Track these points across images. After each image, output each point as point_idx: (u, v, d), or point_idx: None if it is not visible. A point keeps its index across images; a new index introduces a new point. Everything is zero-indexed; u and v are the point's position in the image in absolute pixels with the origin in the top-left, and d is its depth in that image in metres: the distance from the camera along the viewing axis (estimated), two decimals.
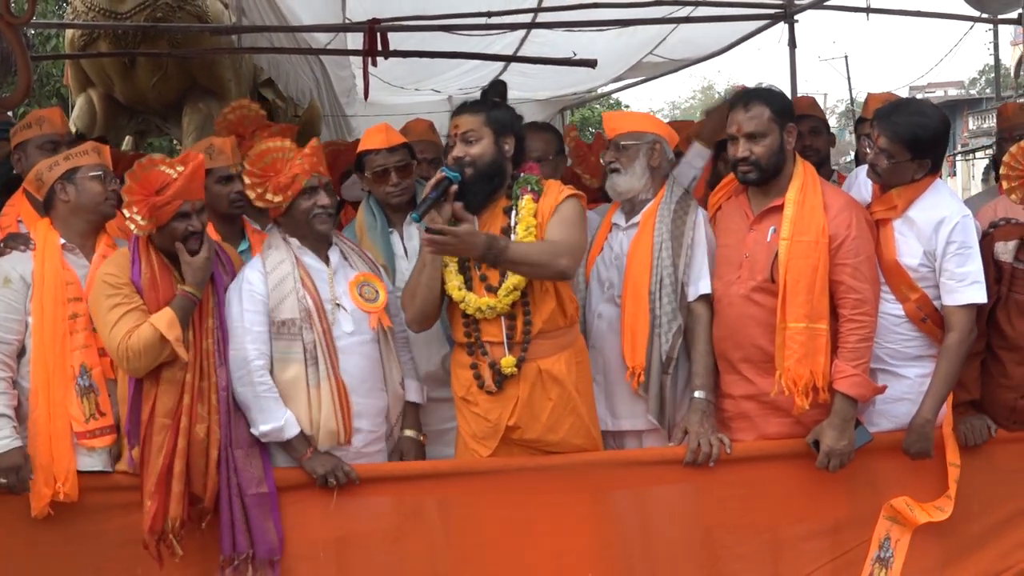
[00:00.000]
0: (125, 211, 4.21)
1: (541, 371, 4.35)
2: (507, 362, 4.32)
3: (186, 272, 4.25)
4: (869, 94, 5.41)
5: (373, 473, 4.41)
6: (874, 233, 4.50)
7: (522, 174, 4.50)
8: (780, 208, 4.45)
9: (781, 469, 4.48)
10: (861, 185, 4.72)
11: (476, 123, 4.36)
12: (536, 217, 4.36)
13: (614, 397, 4.67)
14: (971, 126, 40.34)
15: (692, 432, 4.44)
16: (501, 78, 4.67)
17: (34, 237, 4.46)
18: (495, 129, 4.37)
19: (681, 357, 4.56)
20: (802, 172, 4.51)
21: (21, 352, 4.37)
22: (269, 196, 4.35)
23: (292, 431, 4.29)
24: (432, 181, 4.26)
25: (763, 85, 4.60)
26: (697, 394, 4.51)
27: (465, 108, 4.45)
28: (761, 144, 4.43)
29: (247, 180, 4.40)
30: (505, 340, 4.35)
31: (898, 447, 4.43)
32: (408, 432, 4.59)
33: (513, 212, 4.39)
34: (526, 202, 4.39)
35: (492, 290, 4.33)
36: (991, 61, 11.27)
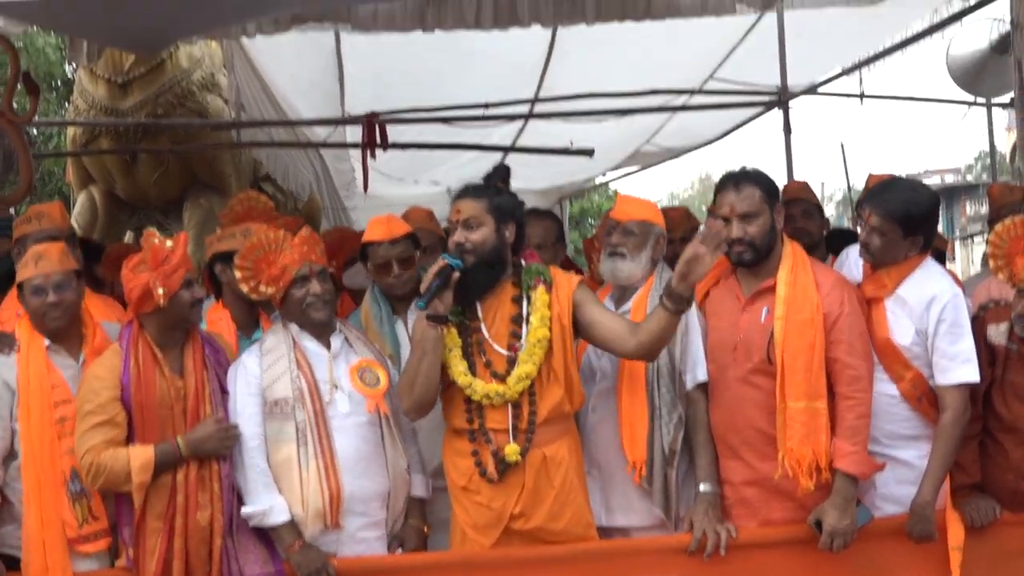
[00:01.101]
0: (156, 284, 4.21)
1: (546, 458, 4.33)
2: (511, 450, 4.27)
3: (197, 430, 4.24)
4: (870, 175, 5.45)
5: (372, 565, 4.37)
6: (866, 311, 4.49)
7: (528, 263, 4.51)
8: (772, 289, 4.45)
9: (785, 555, 4.41)
10: (852, 265, 4.74)
11: (478, 209, 4.34)
12: (551, 309, 4.35)
13: (610, 491, 4.60)
14: (969, 211, 40.57)
15: (697, 523, 4.38)
16: (503, 164, 4.67)
17: (19, 338, 4.45)
18: (497, 216, 4.35)
19: (683, 446, 4.50)
20: (791, 252, 4.52)
21: (13, 456, 4.35)
22: (262, 288, 4.37)
23: (278, 518, 4.25)
24: (434, 268, 4.24)
25: (748, 168, 4.61)
26: (703, 487, 4.46)
27: (467, 193, 4.42)
28: (755, 224, 4.44)
29: (238, 274, 4.41)
30: (511, 427, 4.31)
31: (901, 530, 4.38)
32: (411, 520, 4.54)
33: (524, 302, 4.37)
34: (540, 293, 4.37)
35: (497, 376, 4.30)
36: (987, 147, 11.37)
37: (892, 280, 4.48)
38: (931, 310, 4.39)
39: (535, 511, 4.32)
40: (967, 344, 4.39)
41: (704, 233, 4.08)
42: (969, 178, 49.24)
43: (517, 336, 4.33)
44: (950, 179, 49.13)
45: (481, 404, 4.31)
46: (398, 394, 4.41)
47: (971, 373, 4.37)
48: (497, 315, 4.37)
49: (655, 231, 4.69)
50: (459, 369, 4.33)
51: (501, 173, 4.58)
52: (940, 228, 5.13)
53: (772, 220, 4.50)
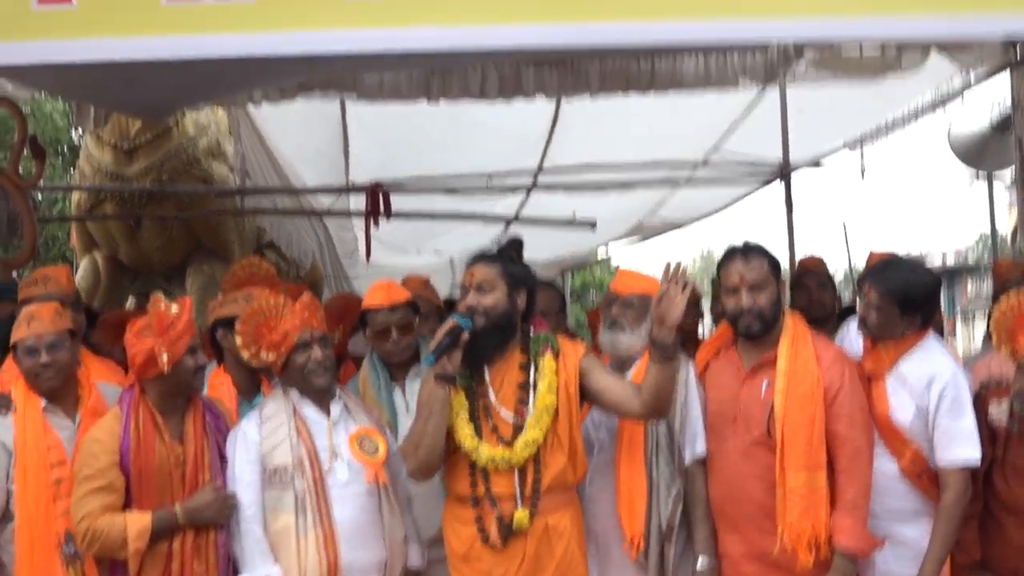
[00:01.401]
0: (160, 351, 4.21)
1: (548, 526, 4.29)
2: (521, 515, 4.23)
3: (195, 498, 4.22)
4: (871, 253, 5.48)
5: None
6: (866, 386, 4.48)
7: (537, 331, 4.50)
8: (772, 362, 4.44)
9: None
10: (852, 338, 4.75)
11: (491, 274, 4.36)
12: (558, 376, 4.34)
13: (607, 565, 4.57)
14: (971, 291, 40.54)
15: None
16: (517, 236, 4.70)
17: (15, 398, 4.43)
18: (509, 282, 4.37)
19: (681, 524, 4.47)
20: (792, 325, 4.53)
21: (9, 518, 4.32)
22: (263, 354, 4.35)
23: None
24: (444, 327, 4.25)
25: (751, 242, 4.64)
26: (701, 561, 4.45)
27: (481, 258, 4.46)
28: (763, 295, 4.45)
29: (239, 340, 4.40)
30: (517, 494, 4.28)
31: None
32: None
33: (532, 368, 4.37)
34: (547, 360, 4.37)
35: (504, 442, 4.28)
36: (988, 229, 11.42)
37: (890, 356, 4.48)
38: (932, 388, 4.38)
39: None
40: (968, 423, 4.37)
41: (666, 274, 4.08)
42: (971, 259, 49.33)
43: (524, 402, 4.32)
44: (952, 260, 49.17)
45: (486, 469, 4.28)
46: (402, 455, 4.39)
47: (972, 453, 4.35)
48: (505, 381, 4.37)
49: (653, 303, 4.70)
50: (465, 432, 4.30)
51: (515, 245, 4.64)
52: (942, 307, 5.13)
53: (778, 292, 4.52)
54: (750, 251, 4.54)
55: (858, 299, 4.76)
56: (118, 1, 3.45)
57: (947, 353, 4.59)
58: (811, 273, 5.95)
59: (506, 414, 4.32)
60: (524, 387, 4.34)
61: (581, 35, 3.65)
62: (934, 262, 40.46)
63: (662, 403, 4.22)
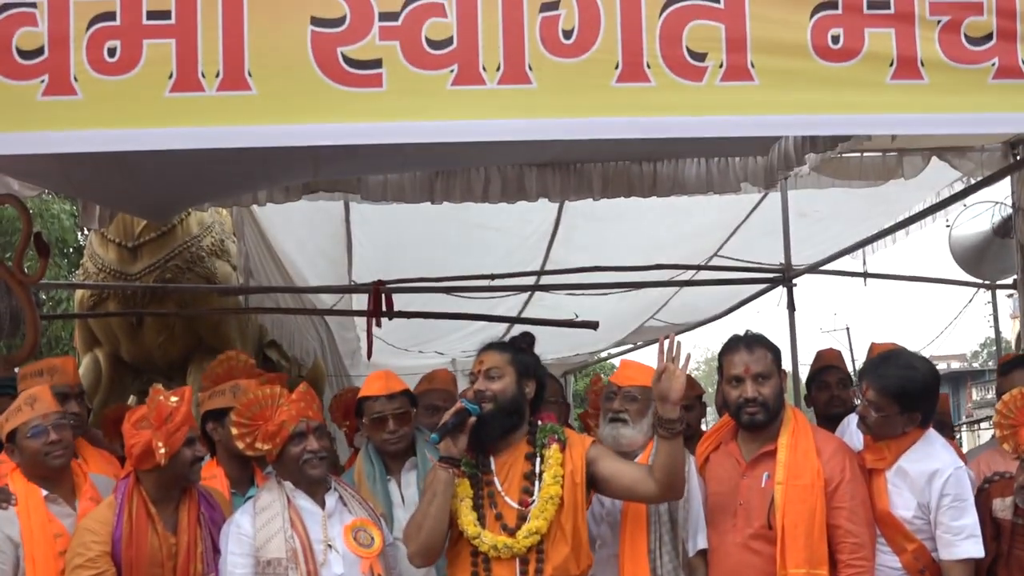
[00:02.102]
0: (157, 443, 4.19)
1: None
2: None
3: None
4: (872, 344, 5.45)
5: None
6: (867, 480, 4.45)
7: (544, 422, 4.48)
8: (772, 454, 4.42)
9: None
10: (852, 434, 4.71)
11: (501, 361, 4.37)
12: (564, 467, 4.32)
13: None
14: (975, 397, 40.44)
15: None
16: (529, 332, 4.71)
17: (13, 490, 4.40)
18: (518, 370, 4.38)
19: None
20: (792, 417, 4.51)
21: None
22: (258, 444, 4.33)
23: None
24: (452, 410, 4.25)
25: (753, 332, 4.64)
26: None
27: (492, 346, 4.48)
28: (767, 385, 4.44)
29: (234, 431, 4.38)
30: None
31: None
32: None
33: (538, 459, 4.35)
34: (553, 451, 4.35)
35: (507, 530, 4.24)
36: (992, 334, 11.45)
37: (892, 453, 4.45)
38: (933, 484, 4.34)
39: None
40: (971, 519, 4.33)
41: (662, 349, 4.11)
42: (975, 365, 49.29)
43: (529, 492, 4.30)
44: (956, 365, 49.15)
45: (488, 558, 4.23)
46: (404, 539, 4.33)
47: (975, 548, 4.30)
48: (511, 471, 4.34)
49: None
50: (468, 519, 4.26)
51: (527, 338, 4.62)
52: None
53: (780, 383, 4.51)
54: (753, 341, 4.55)
55: (856, 397, 4.74)
56: (122, 93, 3.48)
57: (948, 449, 4.56)
58: (832, 369, 5.93)
59: (511, 503, 4.29)
60: (529, 477, 4.32)
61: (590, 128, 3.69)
62: (939, 367, 40.48)
63: (676, 480, 4.22)
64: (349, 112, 3.53)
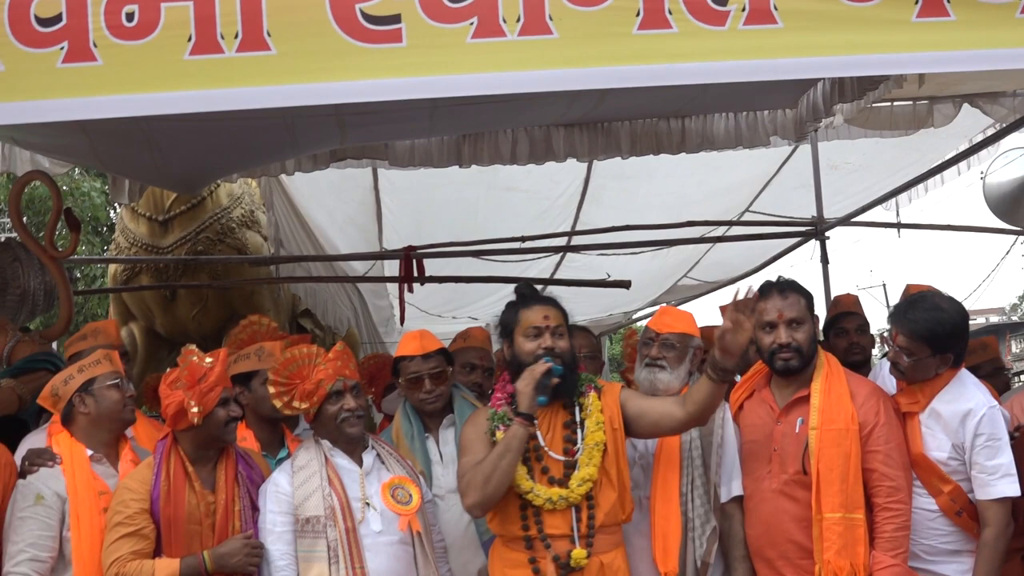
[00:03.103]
0: (190, 402, 4.24)
1: (603, 565, 4.27)
2: (579, 554, 4.21)
3: (224, 546, 4.22)
4: (908, 286, 5.40)
5: None
6: (901, 422, 4.43)
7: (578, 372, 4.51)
8: (806, 399, 4.41)
9: None
10: (885, 378, 4.68)
11: (561, 319, 4.43)
12: (603, 413, 4.36)
13: None
14: (1015, 349, 40.23)
15: None
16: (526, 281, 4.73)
17: (58, 451, 4.44)
18: (569, 329, 4.45)
19: (715, 559, 4.44)
20: (825, 363, 4.50)
21: (68, 564, 4.30)
22: (296, 403, 4.35)
23: None
24: (541, 369, 4.24)
25: (785, 278, 4.61)
26: None
27: (551, 303, 4.50)
28: (801, 331, 4.43)
29: (272, 389, 4.40)
30: (574, 532, 4.25)
31: None
32: None
33: (577, 408, 4.38)
34: (592, 399, 4.40)
35: (555, 482, 4.28)
36: None
37: (925, 396, 4.42)
38: (967, 424, 4.31)
39: None
40: (1006, 457, 4.30)
41: (736, 302, 4.10)
42: (1015, 318, 48.91)
43: (572, 441, 4.34)
44: (994, 319, 48.82)
45: (538, 510, 4.27)
46: (463, 490, 4.33)
47: (1012, 487, 4.28)
48: (551, 423, 4.38)
49: (693, 343, 4.73)
50: (520, 474, 4.29)
51: (529, 288, 4.66)
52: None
53: (814, 329, 4.49)
54: (786, 287, 4.53)
55: (885, 343, 4.70)
56: (141, 57, 3.48)
57: (981, 388, 4.51)
58: (851, 315, 5.88)
59: (556, 455, 4.33)
60: (569, 426, 4.36)
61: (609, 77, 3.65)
62: (976, 322, 40.18)
63: (705, 416, 4.30)
64: (369, 69, 3.51)
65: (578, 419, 4.37)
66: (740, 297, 4.12)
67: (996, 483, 4.27)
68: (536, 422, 4.31)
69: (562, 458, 4.32)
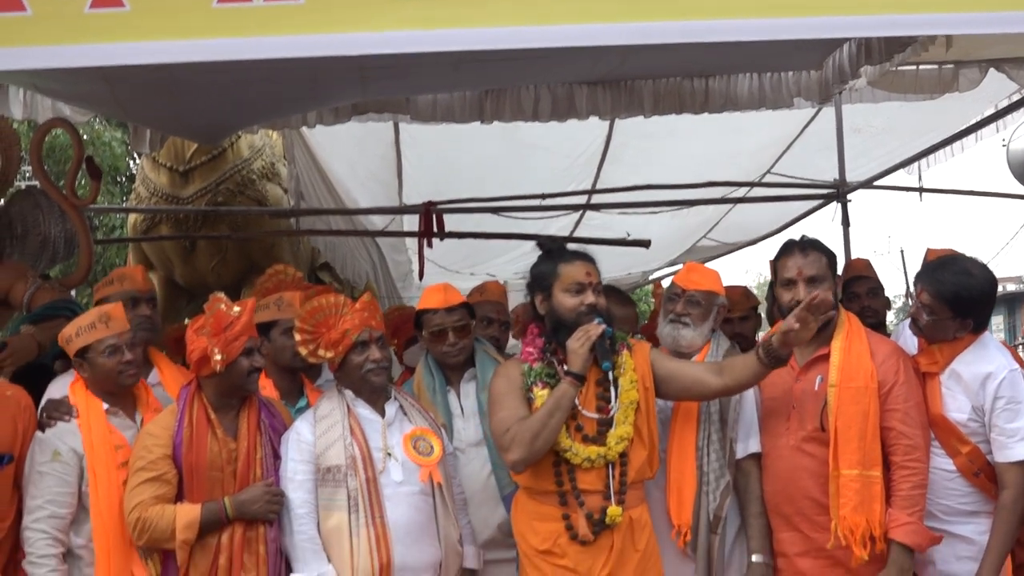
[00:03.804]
0: (214, 350, 4.25)
1: (632, 520, 4.31)
2: (614, 511, 4.24)
3: (244, 492, 4.26)
4: (929, 249, 5.39)
5: None
6: (921, 383, 4.43)
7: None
8: (826, 357, 4.41)
9: None
10: (907, 339, 4.68)
11: (599, 277, 4.41)
12: (636, 371, 4.38)
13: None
14: None
15: None
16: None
17: (74, 402, 4.47)
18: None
19: (730, 515, 4.47)
20: (846, 321, 4.49)
21: (86, 518, 4.35)
22: (321, 352, 4.36)
23: None
24: (597, 331, 4.22)
25: (808, 236, 4.59)
26: (755, 558, 4.43)
27: (589, 259, 4.46)
28: (821, 289, 4.39)
29: (298, 337, 4.41)
30: (610, 489, 4.27)
31: None
32: None
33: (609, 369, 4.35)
34: (625, 358, 4.41)
35: (588, 440, 4.29)
36: None
37: (944, 357, 4.43)
38: (987, 387, 4.32)
39: (620, 573, 4.27)
40: None
41: (809, 304, 4.10)
42: None
43: (605, 399, 4.35)
44: (1012, 287, 48.61)
45: (572, 466, 4.28)
46: (504, 445, 4.30)
47: None
48: (584, 382, 4.34)
49: (718, 301, 4.75)
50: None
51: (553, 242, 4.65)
52: (1002, 336, 5.04)
53: (834, 287, 4.48)
54: (808, 245, 4.51)
55: (909, 298, 4.70)
56: (169, 4, 3.46)
57: (1003, 351, 4.52)
58: (862, 279, 5.89)
59: (590, 413, 4.33)
60: (602, 384, 4.36)
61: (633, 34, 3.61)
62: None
63: (739, 391, 4.38)
64: (396, 20, 3.47)
65: (611, 377, 4.35)
66: (815, 300, 4.10)
67: (1015, 446, 4.27)
68: (585, 381, 4.29)
69: (596, 416, 4.33)
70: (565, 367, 4.27)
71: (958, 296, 4.35)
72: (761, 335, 4.80)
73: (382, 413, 4.43)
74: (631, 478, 4.31)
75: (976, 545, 4.31)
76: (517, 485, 4.53)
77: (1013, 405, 4.30)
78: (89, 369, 4.49)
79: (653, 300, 6.20)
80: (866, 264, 6.15)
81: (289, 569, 4.26)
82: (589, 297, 4.31)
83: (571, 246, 4.69)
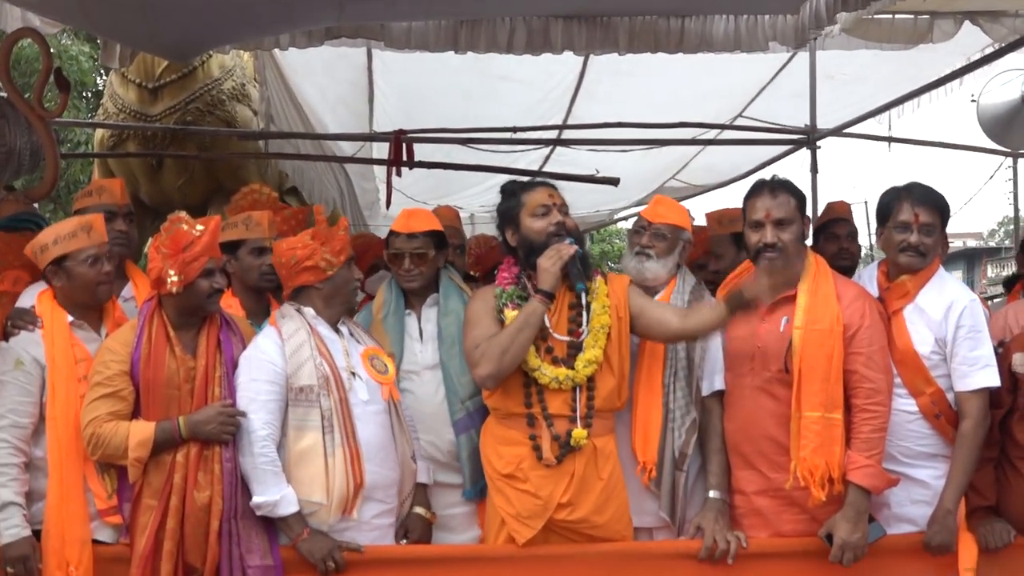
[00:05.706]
0: (169, 271, 4.22)
1: (596, 448, 4.37)
2: (579, 434, 4.32)
3: (200, 412, 4.23)
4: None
5: (385, 555, 4.36)
6: (886, 325, 4.47)
7: None
8: (792, 299, 4.43)
9: (795, 566, 4.38)
10: (867, 282, 4.71)
11: (563, 199, 4.50)
12: (609, 298, 4.44)
13: None
14: (990, 274, 40.44)
15: (707, 530, 4.37)
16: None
17: (40, 312, 4.44)
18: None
19: (694, 452, 4.50)
20: (814, 263, 4.52)
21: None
22: (329, 257, 4.39)
23: (287, 508, 4.22)
24: (567, 251, 4.31)
25: (779, 177, 4.60)
26: (712, 494, 4.47)
27: (549, 184, 4.57)
28: (788, 231, 4.43)
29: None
30: (576, 413, 4.33)
31: (913, 548, 4.36)
32: (417, 509, 4.55)
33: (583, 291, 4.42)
34: (599, 283, 4.47)
35: (558, 362, 4.36)
36: (1011, 212, 11.33)
37: (915, 285, 4.48)
38: (949, 317, 4.38)
39: (582, 501, 4.34)
40: (986, 350, 4.39)
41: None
42: (992, 243, 49.17)
43: (577, 323, 4.41)
44: (972, 243, 49.06)
45: (542, 389, 4.34)
46: (474, 360, 4.36)
47: (991, 378, 4.35)
48: (557, 304, 4.42)
49: (684, 236, 4.76)
50: (528, 351, 4.34)
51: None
52: None
53: (802, 230, 4.51)
54: (778, 186, 4.52)
55: (876, 242, 4.73)
56: None
57: (961, 284, 4.63)
58: (842, 221, 5.93)
59: (560, 336, 4.39)
60: (574, 307, 4.42)
61: None
62: (955, 244, 40.35)
63: (696, 337, 4.46)
64: None
65: (584, 302, 4.41)
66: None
67: (976, 374, 4.34)
68: (554, 300, 4.35)
69: (566, 338, 4.39)
70: (533, 286, 4.33)
71: (942, 202, 4.49)
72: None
73: (338, 332, 4.48)
74: (598, 405, 4.36)
75: (931, 490, 4.37)
76: (468, 411, 4.62)
77: (974, 334, 4.37)
78: (65, 278, 4.45)
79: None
80: (847, 208, 6.19)
81: (244, 487, 4.25)
82: (556, 216, 4.39)
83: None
